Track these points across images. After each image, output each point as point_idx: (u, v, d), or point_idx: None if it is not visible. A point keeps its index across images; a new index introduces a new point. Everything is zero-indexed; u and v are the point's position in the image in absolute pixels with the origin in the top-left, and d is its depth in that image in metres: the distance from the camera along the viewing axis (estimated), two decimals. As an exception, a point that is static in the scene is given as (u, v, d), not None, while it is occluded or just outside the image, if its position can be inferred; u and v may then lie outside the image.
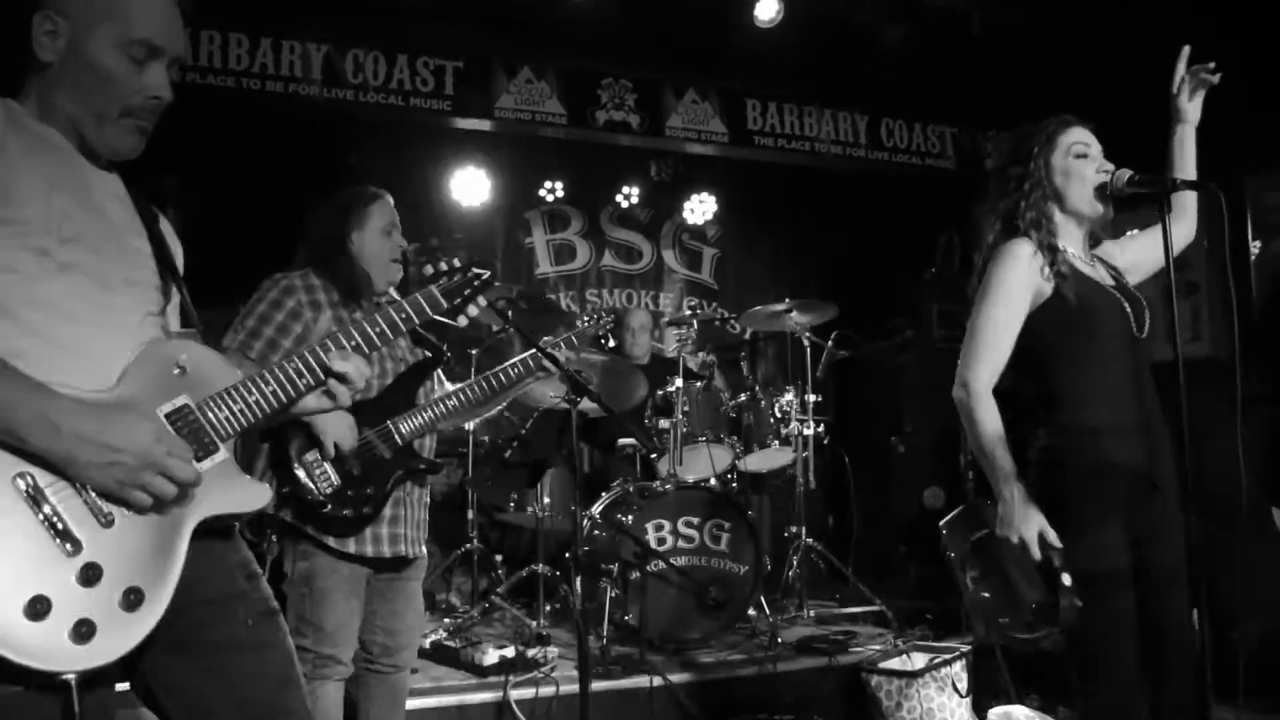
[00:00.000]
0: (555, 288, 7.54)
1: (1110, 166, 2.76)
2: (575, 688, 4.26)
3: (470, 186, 6.85)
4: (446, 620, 5.27)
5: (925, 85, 6.74)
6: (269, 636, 1.94)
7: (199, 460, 1.78)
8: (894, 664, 4.73)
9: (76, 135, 1.85)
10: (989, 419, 2.65)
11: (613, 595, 4.80)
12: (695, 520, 5.05)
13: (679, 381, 5.51)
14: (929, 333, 7.01)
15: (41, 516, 1.62)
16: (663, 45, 6.09)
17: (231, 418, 1.85)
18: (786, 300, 6.05)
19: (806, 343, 6.00)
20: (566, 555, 5.22)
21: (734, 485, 5.84)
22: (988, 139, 7.14)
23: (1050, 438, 2.66)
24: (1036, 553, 2.54)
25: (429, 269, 2.11)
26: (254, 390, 1.88)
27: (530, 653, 4.47)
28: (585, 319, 3.72)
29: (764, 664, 4.65)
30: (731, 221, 8.05)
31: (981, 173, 7.21)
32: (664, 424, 5.49)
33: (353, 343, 1.99)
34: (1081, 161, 2.76)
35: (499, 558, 5.77)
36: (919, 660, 4.74)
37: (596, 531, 5.09)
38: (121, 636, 1.64)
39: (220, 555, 1.91)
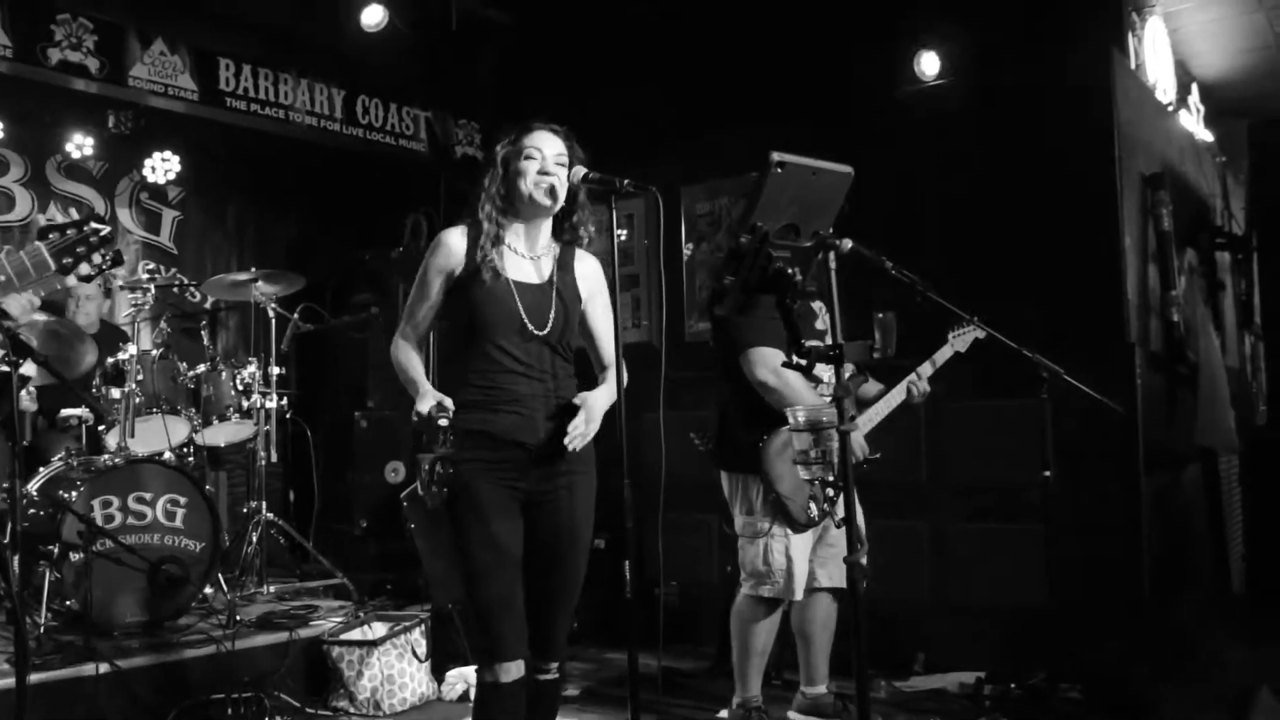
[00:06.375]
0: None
1: (554, 171, 3.03)
2: (5, 682, 3.92)
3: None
4: None
5: (402, 67, 6.85)
6: None
7: None
8: (355, 634, 4.82)
9: None
10: (398, 354, 3.11)
11: (52, 579, 4.43)
12: (148, 496, 4.76)
13: (132, 349, 5.20)
14: (395, 310, 7.09)
15: None
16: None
17: None
18: (253, 269, 5.91)
19: (272, 314, 5.89)
20: (-6, 537, 4.74)
21: (190, 459, 5.61)
22: (459, 126, 7.40)
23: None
24: (437, 415, 2.83)
25: (42, 220, 1.93)
26: None
27: (-52, 647, 4.04)
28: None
29: (222, 643, 4.52)
30: (197, 184, 7.63)
31: (451, 159, 7.51)
32: (115, 394, 5.15)
33: None
34: (530, 163, 3.04)
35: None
36: (380, 629, 4.87)
37: (34, 510, 4.66)
38: None
39: None
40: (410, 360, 3.10)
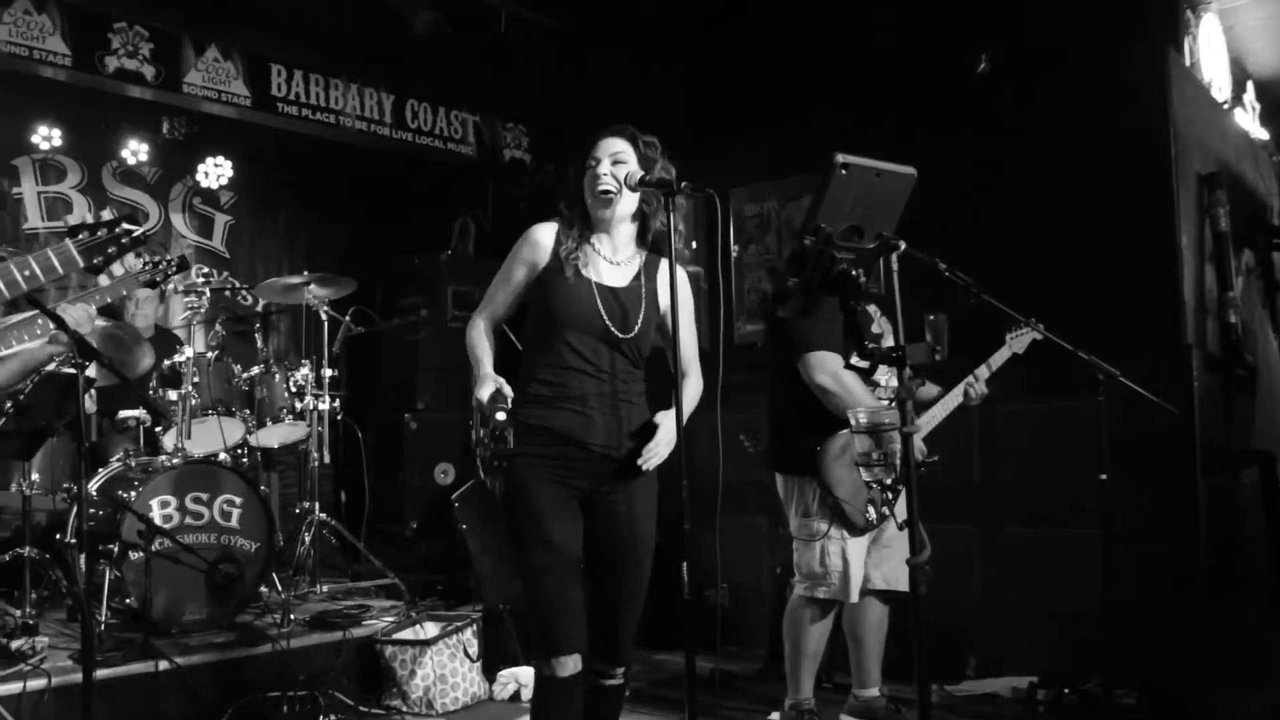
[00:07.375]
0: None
1: (609, 173, 3.02)
2: (69, 679, 3.99)
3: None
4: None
5: (451, 72, 6.91)
6: None
7: None
8: (407, 634, 4.86)
9: None
10: (471, 333, 3.12)
11: (112, 577, 4.51)
12: (204, 496, 4.83)
13: (189, 352, 5.27)
14: (443, 313, 7.15)
15: None
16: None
17: None
18: (304, 273, 5.97)
19: (324, 317, 5.95)
20: (58, 537, 4.82)
21: (245, 460, 5.68)
22: (506, 130, 7.45)
23: (517, 396, 2.99)
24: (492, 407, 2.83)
25: (69, 220, 1.93)
26: None
27: (15, 644, 4.11)
28: (146, 260, 3.43)
29: (277, 641, 4.58)
30: (249, 188, 7.73)
31: (499, 162, 7.55)
32: (172, 396, 5.23)
33: None
34: (588, 171, 3.05)
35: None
36: (431, 629, 4.90)
37: (94, 509, 4.74)
38: None
39: None
40: (480, 341, 3.09)
